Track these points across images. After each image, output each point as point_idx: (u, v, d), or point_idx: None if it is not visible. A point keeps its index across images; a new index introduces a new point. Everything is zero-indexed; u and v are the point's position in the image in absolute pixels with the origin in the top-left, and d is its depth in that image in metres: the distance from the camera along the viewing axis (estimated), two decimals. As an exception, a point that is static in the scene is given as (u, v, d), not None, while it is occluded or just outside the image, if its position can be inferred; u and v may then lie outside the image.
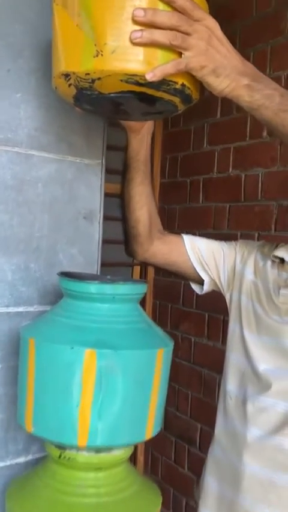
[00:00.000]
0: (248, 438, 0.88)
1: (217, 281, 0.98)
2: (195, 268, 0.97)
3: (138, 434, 0.70)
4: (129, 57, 0.57)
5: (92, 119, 0.89)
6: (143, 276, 2.27)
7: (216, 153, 1.94)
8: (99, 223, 0.95)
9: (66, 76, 0.61)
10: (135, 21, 0.57)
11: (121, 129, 0.86)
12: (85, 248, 0.94)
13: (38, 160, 0.85)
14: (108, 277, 0.84)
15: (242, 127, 1.81)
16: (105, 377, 0.66)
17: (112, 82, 0.60)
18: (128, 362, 0.68)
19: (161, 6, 0.58)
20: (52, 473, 0.72)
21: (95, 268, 0.95)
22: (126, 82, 0.59)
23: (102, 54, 0.57)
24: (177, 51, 0.59)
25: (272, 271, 0.91)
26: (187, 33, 0.59)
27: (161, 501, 0.77)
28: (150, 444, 2.24)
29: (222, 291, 0.99)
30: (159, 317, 2.25)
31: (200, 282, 0.99)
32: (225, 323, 1.02)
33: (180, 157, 2.14)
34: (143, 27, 0.57)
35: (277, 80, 1.47)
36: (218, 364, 1.18)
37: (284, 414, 0.84)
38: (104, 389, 0.66)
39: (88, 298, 0.72)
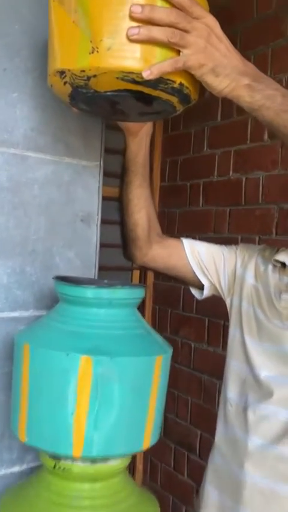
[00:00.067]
0: (249, 447, 0.85)
1: (217, 286, 0.96)
2: (195, 273, 0.95)
3: (136, 443, 0.68)
4: (126, 55, 0.56)
5: (90, 119, 0.88)
6: (143, 280, 2.25)
7: (216, 156, 1.93)
8: (96, 226, 0.93)
9: (62, 73, 0.60)
10: (132, 18, 0.55)
11: (119, 131, 0.85)
12: (82, 251, 0.92)
13: (34, 162, 0.84)
14: (106, 281, 0.83)
15: (242, 130, 1.80)
16: (102, 385, 0.64)
17: (108, 80, 0.58)
18: (125, 369, 0.65)
19: (159, 2, 0.56)
20: (47, 484, 0.70)
21: (92, 272, 0.94)
22: (123, 79, 0.58)
23: (97, 51, 0.56)
24: (175, 49, 0.58)
25: (273, 276, 0.89)
26: (186, 31, 0.57)
27: (159, 513, 0.75)
28: (149, 451, 2.20)
29: (222, 295, 0.97)
30: (158, 322, 2.23)
31: (200, 286, 0.98)
32: (226, 328, 1.00)
33: (180, 160, 2.13)
34: (140, 24, 0.55)
35: (278, 82, 1.46)
36: (218, 370, 1.16)
37: (286, 423, 0.82)
38: (100, 397, 0.64)
39: (84, 303, 0.70)
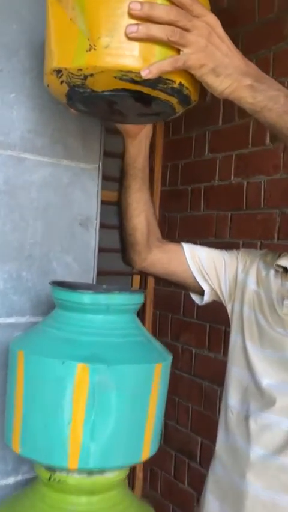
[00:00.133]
0: (251, 457, 0.83)
1: (218, 291, 0.94)
2: (195, 278, 0.93)
3: (134, 455, 0.66)
4: (124, 53, 0.54)
5: (89, 121, 0.86)
6: (143, 285, 2.23)
7: (217, 161, 1.92)
8: (95, 229, 0.92)
9: (58, 72, 0.58)
10: (131, 15, 0.53)
11: (118, 134, 0.83)
12: (80, 256, 0.90)
13: (31, 164, 0.82)
14: (104, 286, 0.81)
15: (244, 134, 1.79)
16: (98, 394, 0.62)
17: (105, 79, 0.57)
18: (123, 377, 0.63)
19: (159, 0, 0.54)
20: (42, 496, 0.68)
21: (90, 278, 0.92)
22: (121, 79, 0.56)
23: (95, 49, 0.54)
24: (175, 48, 0.56)
25: (275, 281, 0.87)
26: (186, 29, 0.56)
27: (158, 526, 0.72)
28: (149, 458, 2.18)
29: (223, 301, 0.96)
30: (159, 328, 2.21)
31: (201, 292, 0.96)
32: (227, 334, 0.99)
33: (181, 164, 2.12)
34: (139, 22, 0.54)
35: (280, 86, 1.45)
36: (219, 376, 1.14)
37: (289, 433, 0.79)
38: (96, 407, 0.62)
39: (81, 309, 0.68)
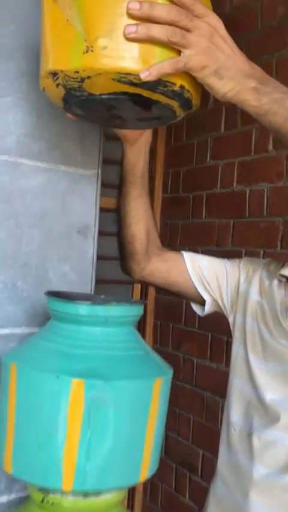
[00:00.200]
0: (254, 476, 0.80)
1: (219, 302, 0.92)
2: (196, 288, 0.90)
3: (132, 475, 0.63)
4: (123, 54, 0.52)
5: (87, 125, 0.84)
6: (144, 294, 2.20)
7: (220, 168, 1.90)
8: (93, 238, 0.89)
9: (54, 74, 0.56)
10: (130, 15, 0.51)
11: (117, 140, 0.81)
12: (78, 265, 0.87)
13: (27, 169, 0.80)
14: (102, 297, 0.78)
15: (246, 141, 1.77)
16: (95, 411, 0.59)
17: (103, 82, 0.54)
18: (121, 393, 0.60)
19: None
20: (34, 518, 0.65)
21: (88, 287, 0.89)
22: (119, 81, 0.54)
23: (92, 51, 0.52)
24: (176, 49, 0.54)
25: (278, 292, 0.84)
26: (187, 30, 0.53)
27: None
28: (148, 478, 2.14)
29: (225, 312, 0.93)
30: (160, 337, 2.18)
31: (202, 302, 0.93)
32: (229, 344, 0.96)
33: (183, 171, 2.10)
34: (138, 22, 0.51)
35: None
36: (221, 387, 1.11)
37: (294, 451, 0.76)
38: (92, 425, 0.59)
39: (77, 321, 0.65)
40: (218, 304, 0.93)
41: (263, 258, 1.66)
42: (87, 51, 0.52)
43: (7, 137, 0.78)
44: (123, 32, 0.51)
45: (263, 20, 1.74)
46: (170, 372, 0.68)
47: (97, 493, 0.62)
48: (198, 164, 2.01)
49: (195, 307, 0.96)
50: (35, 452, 0.60)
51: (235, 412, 0.86)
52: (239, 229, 1.80)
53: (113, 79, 0.54)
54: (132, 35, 0.51)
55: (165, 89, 0.56)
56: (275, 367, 0.82)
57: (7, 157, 0.78)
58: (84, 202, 0.87)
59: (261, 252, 1.69)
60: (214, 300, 0.92)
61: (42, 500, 0.62)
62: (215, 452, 0.90)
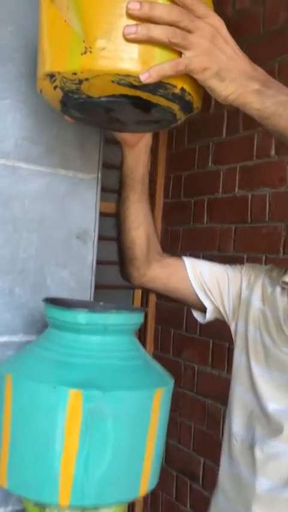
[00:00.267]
0: (256, 489, 0.78)
1: (221, 309, 0.90)
2: (197, 295, 0.89)
3: (131, 490, 0.61)
4: (122, 56, 0.50)
5: (87, 128, 0.83)
6: (145, 300, 2.19)
7: (221, 173, 1.89)
8: (93, 243, 0.87)
9: (51, 76, 0.54)
10: (129, 15, 0.50)
11: (117, 143, 0.79)
12: (77, 271, 0.86)
13: (26, 173, 0.78)
14: (101, 303, 0.76)
15: (248, 146, 1.76)
16: (93, 423, 0.57)
17: (102, 84, 0.53)
18: (120, 405, 0.58)
19: None
20: (30, 533, 0.62)
21: (88, 294, 0.87)
22: (118, 83, 0.52)
23: (90, 52, 0.50)
24: (176, 50, 0.52)
25: (281, 299, 0.83)
26: (188, 31, 0.52)
27: None
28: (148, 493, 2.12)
29: (226, 320, 0.91)
30: (161, 343, 2.16)
31: (203, 309, 0.91)
32: (231, 351, 0.94)
33: (184, 176, 2.09)
34: (138, 22, 0.50)
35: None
36: (222, 394, 1.10)
37: (298, 464, 0.74)
38: (91, 437, 0.57)
39: (75, 329, 0.63)
40: (220, 311, 0.91)
41: (265, 263, 1.64)
42: (85, 53, 0.50)
43: (5, 141, 0.76)
44: (123, 33, 0.50)
45: (265, 25, 1.74)
46: (171, 382, 0.66)
47: (95, 508, 0.59)
48: (200, 169, 2.00)
49: (196, 315, 0.94)
50: (31, 465, 0.58)
51: (237, 422, 0.84)
52: (241, 235, 1.79)
53: (112, 81, 0.52)
54: (132, 36, 0.50)
55: (166, 91, 0.54)
56: (279, 377, 0.80)
57: (5, 160, 0.76)
58: (84, 207, 0.86)
59: (263, 257, 1.68)
60: (215, 307, 0.90)
61: (38, 515, 0.60)
62: (216, 460, 0.88)
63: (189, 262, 0.90)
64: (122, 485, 0.60)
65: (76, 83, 0.53)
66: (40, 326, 0.80)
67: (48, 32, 0.55)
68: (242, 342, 0.87)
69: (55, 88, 0.56)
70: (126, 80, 0.52)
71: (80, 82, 0.53)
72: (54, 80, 0.54)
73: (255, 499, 0.77)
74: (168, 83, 0.53)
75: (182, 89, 0.55)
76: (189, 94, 0.56)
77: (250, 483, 0.79)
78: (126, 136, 0.76)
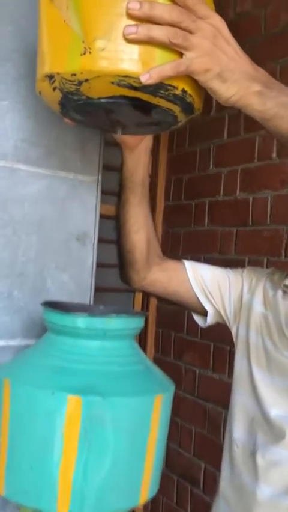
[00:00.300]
0: (258, 496, 0.77)
1: (222, 313, 0.89)
2: (198, 299, 0.88)
3: (131, 498, 0.60)
4: (122, 56, 0.49)
5: (87, 130, 0.82)
6: (146, 302, 2.18)
7: (222, 175, 1.88)
8: (93, 246, 0.86)
9: (50, 77, 0.53)
10: (129, 15, 0.49)
11: (117, 145, 0.78)
12: (77, 274, 0.85)
13: (25, 175, 0.77)
14: (101, 307, 0.75)
15: (250, 148, 1.75)
16: (92, 430, 0.56)
17: (102, 85, 0.52)
18: (120, 411, 0.57)
19: None
20: None
21: (87, 297, 0.86)
22: (118, 84, 0.51)
23: (90, 52, 0.49)
24: (177, 51, 0.52)
25: (283, 303, 0.82)
26: (189, 31, 0.51)
27: None
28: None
29: (227, 323, 0.90)
30: (161, 346, 2.14)
31: (203, 313, 0.90)
32: (232, 354, 0.93)
33: (185, 179, 2.08)
34: (138, 22, 0.49)
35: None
36: (223, 398, 1.08)
37: (301, 470, 0.73)
38: (90, 444, 0.56)
39: (74, 333, 0.62)
40: (221, 315, 0.90)
41: (267, 266, 1.63)
42: (84, 53, 0.50)
43: (4, 142, 0.75)
44: (123, 33, 0.49)
45: (267, 27, 1.73)
46: (171, 388, 0.65)
47: (94, 516, 0.58)
48: (201, 171, 1.99)
49: (197, 318, 0.93)
50: (29, 473, 0.57)
51: (238, 428, 0.83)
52: (242, 238, 1.78)
53: (112, 82, 0.51)
54: (132, 36, 0.49)
55: (166, 93, 0.54)
56: (281, 382, 0.79)
57: (4, 162, 0.75)
58: (84, 209, 0.85)
59: (265, 260, 1.67)
60: (216, 311, 0.90)
61: (36, 523, 0.59)
62: (217, 465, 0.87)
63: (189, 265, 0.89)
64: (121, 493, 0.59)
65: (75, 84, 0.53)
66: (39, 330, 0.79)
67: (47, 33, 0.54)
68: (243, 346, 0.86)
69: (54, 89, 0.55)
70: (126, 81, 0.51)
71: (80, 83, 0.52)
72: (53, 81, 0.54)
73: (256, 506, 0.76)
74: (169, 85, 0.52)
75: (183, 91, 0.54)
76: (190, 96, 0.55)
77: (251, 490, 0.78)
78: (126, 138, 0.75)
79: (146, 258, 0.85)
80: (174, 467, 2.00)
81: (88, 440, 0.56)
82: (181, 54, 0.52)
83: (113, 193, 0.87)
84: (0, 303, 0.76)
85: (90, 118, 0.62)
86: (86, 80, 0.52)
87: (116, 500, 0.58)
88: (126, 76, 0.50)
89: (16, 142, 0.76)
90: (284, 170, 1.64)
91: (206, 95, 0.59)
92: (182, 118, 0.60)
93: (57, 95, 0.56)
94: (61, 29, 0.52)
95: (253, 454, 0.79)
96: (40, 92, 0.58)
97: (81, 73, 0.51)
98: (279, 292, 0.83)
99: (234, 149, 1.83)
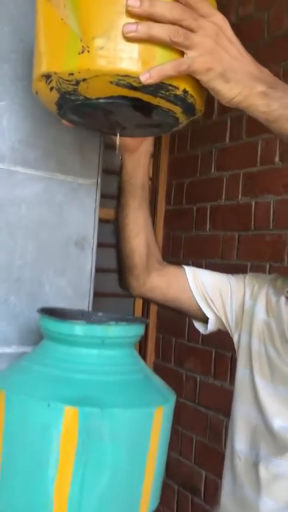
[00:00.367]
0: (260, 510, 0.74)
1: (223, 320, 0.87)
2: (199, 305, 0.86)
3: (129, 513, 0.57)
4: (121, 55, 0.48)
5: (86, 132, 0.80)
6: (146, 308, 2.15)
7: (224, 179, 1.86)
8: (92, 250, 0.84)
9: (47, 77, 0.52)
10: (129, 13, 0.47)
11: (114, 148, 0.77)
12: (75, 279, 0.83)
13: (22, 178, 0.76)
14: (100, 314, 0.73)
15: (252, 152, 1.73)
16: (90, 443, 0.54)
17: (100, 85, 0.50)
18: (119, 423, 0.55)
19: None
20: None
21: (86, 303, 0.84)
22: (117, 84, 0.50)
23: (88, 51, 0.48)
24: (178, 50, 0.50)
25: (286, 310, 0.80)
26: (191, 30, 0.50)
27: None
28: None
29: (229, 331, 0.88)
30: (162, 352, 2.12)
31: (204, 320, 0.88)
32: (234, 361, 0.91)
33: (187, 183, 2.07)
34: (138, 20, 0.47)
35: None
36: (225, 406, 1.06)
37: (306, 484, 0.71)
38: (87, 458, 0.54)
39: (71, 341, 0.60)
40: (222, 322, 0.88)
41: (269, 272, 1.61)
42: (82, 52, 0.48)
43: (1, 144, 0.74)
44: (122, 31, 0.47)
45: (269, 30, 1.72)
46: (172, 399, 0.63)
47: (90, 533, 0.56)
48: (203, 175, 1.98)
49: (198, 325, 0.92)
50: (23, 487, 0.54)
51: (240, 439, 0.81)
52: (244, 242, 1.76)
53: (111, 82, 0.50)
54: (132, 34, 0.47)
55: (167, 93, 0.52)
56: (284, 391, 0.77)
57: (1, 164, 0.74)
58: (83, 213, 0.83)
59: (267, 265, 1.65)
60: (218, 318, 0.88)
61: (30, 540, 0.57)
62: (218, 473, 0.85)
63: (190, 271, 0.87)
64: (120, 509, 0.56)
65: (73, 84, 0.51)
66: (36, 337, 0.77)
67: (44, 31, 0.52)
68: (245, 354, 0.84)
69: (51, 89, 0.53)
70: (126, 80, 0.49)
71: (77, 82, 0.50)
72: (50, 81, 0.52)
73: (259, 520, 0.74)
74: (169, 85, 0.51)
75: (185, 91, 0.52)
76: (192, 96, 0.54)
77: (254, 503, 0.75)
78: (125, 141, 0.73)
79: (145, 263, 0.83)
80: (174, 476, 1.97)
81: (85, 454, 0.54)
82: (182, 54, 0.50)
83: (113, 196, 0.85)
84: (-4, 309, 0.75)
85: (89, 119, 0.60)
86: (84, 80, 0.50)
87: (114, 517, 0.56)
88: (125, 76, 0.49)
89: (13, 143, 0.75)
90: (287, 174, 1.62)
91: (208, 97, 0.57)
92: (183, 120, 0.58)
93: (54, 95, 0.54)
94: (58, 27, 0.50)
95: (256, 466, 0.77)
96: (37, 93, 0.56)
97: (79, 72, 0.49)
98: (282, 299, 0.81)
99: (236, 153, 1.82)
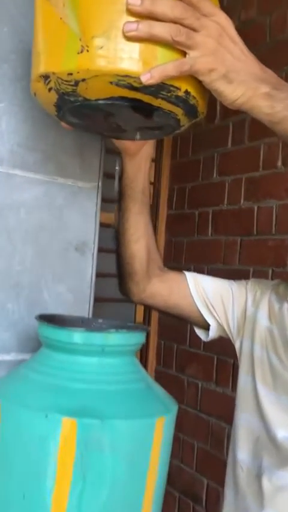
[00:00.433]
0: (265, 523, 0.72)
1: (225, 327, 0.85)
2: (200, 312, 0.84)
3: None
4: (121, 55, 0.46)
5: (87, 135, 0.79)
6: (148, 313, 2.13)
7: (226, 184, 1.85)
8: (92, 255, 0.83)
9: (46, 77, 0.51)
10: (130, 11, 0.46)
11: (118, 152, 0.75)
12: (75, 285, 0.81)
13: (21, 181, 0.74)
14: (101, 320, 0.72)
15: (254, 156, 1.72)
16: (89, 455, 0.52)
17: (100, 85, 0.49)
18: (119, 435, 0.53)
19: None
20: None
21: (86, 309, 0.83)
22: (117, 85, 0.48)
23: (87, 50, 0.47)
24: (180, 50, 0.49)
25: (290, 316, 0.78)
26: (193, 29, 0.48)
27: None
28: None
29: (231, 338, 0.86)
30: (163, 358, 2.10)
31: (206, 327, 0.87)
32: (236, 368, 0.89)
33: (189, 187, 2.06)
34: (139, 19, 0.46)
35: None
36: (227, 413, 1.04)
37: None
38: (86, 471, 0.52)
39: (70, 349, 0.58)
40: (224, 329, 0.86)
41: (272, 277, 1.59)
42: (82, 52, 0.47)
43: (0, 147, 0.72)
44: (122, 30, 0.46)
45: (272, 35, 1.72)
46: (174, 409, 0.61)
47: None
48: (204, 180, 1.97)
49: (199, 332, 0.90)
50: (19, 502, 0.53)
51: (242, 449, 0.79)
52: (247, 247, 1.75)
53: (111, 82, 0.48)
54: (133, 33, 0.46)
55: (169, 94, 0.50)
56: (288, 400, 0.75)
57: (-1, 168, 0.73)
58: (83, 217, 0.82)
59: (270, 271, 1.63)
60: (219, 325, 0.86)
61: None
62: (220, 481, 0.83)
63: (191, 277, 0.85)
64: (119, 524, 0.55)
65: (72, 85, 0.50)
66: (35, 344, 0.75)
67: (43, 31, 0.51)
68: (247, 361, 0.82)
69: (50, 90, 0.52)
70: (126, 81, 0.48)
71: (76, 83, 0.49)
72: (49, 81, 0.51)
73: (263, 534, 0.72)
74: (171, 85, 0.49)
75: (186, 92, 0.51)
76: (194, 97, 0.52)
77: (258, 516, 0.73)
78: (126, 144, 0.72)
79: (146, 268, 0.82)
80: (175, 483, 1.95)
81: (84, 466, 0.52)
82: (184, 54, 0.49)
83: (114, 200, 0.84)
84: (-7, 315, 0.73)
85: (88, 121, 0.59)
86: (83, 80, 0.49)
87: (113, 531, 0.54)
88: (125, 76, 0.47)
89: (12, 146, 0.73)
90: (290, 179, 1.61)
91: (210, 101, 0.55)
92: (185, 122, 0.57)
93: (53, 96, 0.53)
94: (57, 26, 0.49)
95: (259, 477, 0.74)
96: (35, 94, 0.55)
97: (78, 72, 0.48)
98: (285, 305, 0.79)
99: (238, 158, 1.81)
